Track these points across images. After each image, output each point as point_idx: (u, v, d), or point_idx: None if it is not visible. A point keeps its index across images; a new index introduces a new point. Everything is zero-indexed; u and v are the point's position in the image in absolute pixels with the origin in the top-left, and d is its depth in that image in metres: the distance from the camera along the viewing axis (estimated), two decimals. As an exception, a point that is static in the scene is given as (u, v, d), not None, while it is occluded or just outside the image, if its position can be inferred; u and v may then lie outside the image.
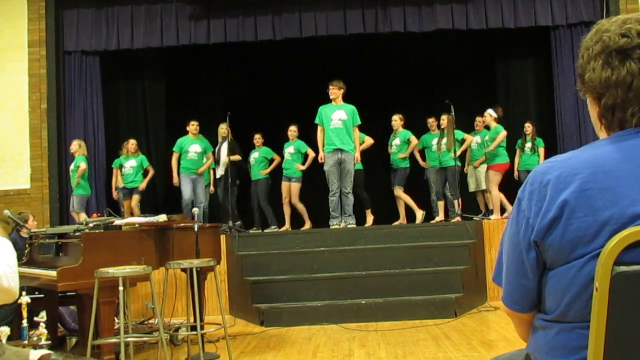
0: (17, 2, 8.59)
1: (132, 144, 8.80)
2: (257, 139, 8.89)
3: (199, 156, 8.48)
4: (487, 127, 8.46)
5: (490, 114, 8.24)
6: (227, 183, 8.39)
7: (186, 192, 8.39)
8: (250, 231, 8.16)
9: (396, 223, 8.16)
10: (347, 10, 8.70)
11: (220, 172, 8.70)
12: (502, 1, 8.63)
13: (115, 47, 8.81)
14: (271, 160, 8.88)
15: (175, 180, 8.49)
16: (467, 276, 6.41)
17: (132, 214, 8.17)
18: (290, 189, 8.36)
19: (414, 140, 8.40)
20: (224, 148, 8.62)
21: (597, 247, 1.11)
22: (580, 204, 1.14)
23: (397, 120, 8.43)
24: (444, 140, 8.16)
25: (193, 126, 8.51)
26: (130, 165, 8.73)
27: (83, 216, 7.72)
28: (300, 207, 8.31)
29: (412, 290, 6.19)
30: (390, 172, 8.52)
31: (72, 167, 8.32)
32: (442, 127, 8.22)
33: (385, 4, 8.69)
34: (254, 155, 8.84)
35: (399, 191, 8.33)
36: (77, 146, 8.32)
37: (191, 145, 8.46)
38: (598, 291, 1.10)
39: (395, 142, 8.44)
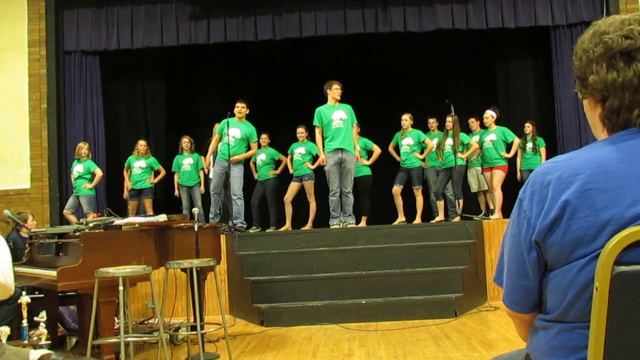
0: (17, 2, 8.59)
1: (141, 145, 8.78)
2: (264, 139, 8.86)
3: (236, 142, 7.64)
4: (482, 127, 8.48)
5: (492, 114, 8.24)
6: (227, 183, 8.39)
7: (214, 179, 7.80)
8: (250, 230, 8.15)
9: (418, 221, 8.19)
10: (347, 10, 8.70)
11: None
12: (502, 1, 8.64)
13: (115, 47, 8.82)
14: (278, 161, 8.87)
15: (208, 163, 8.24)
16: (467, 276, 6.41)
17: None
18: (305, 188, 8.32)
19: (430, 142, 8.40)
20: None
21: (598, 248, 1.11)
22: (581, 204, 1.14)
23: (407, 119, 8.39)
24: (449, 140, 8.16)
25: (237, 108, 7.68)
26: (139, 166, 8.73)
27: (92, 215, 7.73)
28: (313, 206, 8.25)
29: (412, 290, 6.19)
30: (400, 171, 8.46)
31: (80, 170, 8.30)
32: (447, 128, 8.21)
33: (385, 3, 8.69)
34: (261, 157, 8.79)
35: (418, 191, 8.34)
36: (87, 149, 8.36)
37: (231, 129, 7.61)
38: (598, 291, 1.10)
39: (408, 141, 8.38)
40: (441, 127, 8.62)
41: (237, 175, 7.63)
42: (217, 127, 8.06)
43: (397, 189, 8.40)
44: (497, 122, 8.35)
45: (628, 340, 1.10)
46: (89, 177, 8.33)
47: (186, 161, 8.87)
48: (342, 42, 9.30)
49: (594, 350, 1.11)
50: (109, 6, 8.81)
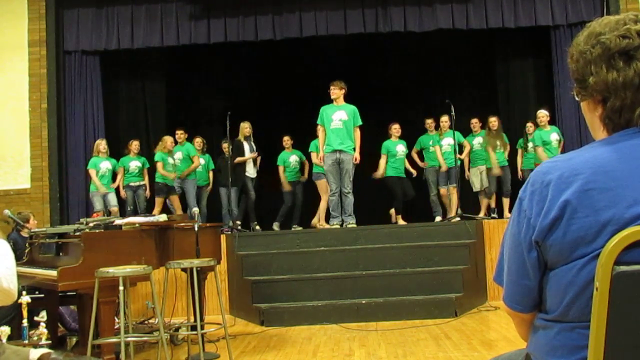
0: (17, 2, 8.58)
1: (170, 142, 8.64)
2: (287, 141, 8.84)
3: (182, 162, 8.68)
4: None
5: (546, 114, 8.18)
6: (230, 182, 8.44)
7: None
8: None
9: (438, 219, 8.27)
10: (347, 10, 8.70)
11: (253, 172, 8.62)
12: (502, 1, 8.63)
13: (115, 47, 8.81)
14: (303, 162, 8.87)
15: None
16: (467, 276, 6.41)
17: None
18: (320, 186, 8.36)
19: (467, 143, 8.50)
20: (254, 147, 8.58)
21: (598, 247, 1.11)
22: (581, 204, 1.14)
23: (446, 120, 8.40)
24: (498, 142, 8.20)
25: (177, 135, 8.73)
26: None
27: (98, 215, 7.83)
28: (324, 204, 8.34)
29: (412, 290, 6.19)
30: (437, 172, 8.48)
31: (109, 167, 8.41)
32: (492, 128, 8.24)
33: (385, 3, 8.69)
34: (294, 158, 8.79)
35: (453, 190, 8.36)
36: (105, 145, 8.48)
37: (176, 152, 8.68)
38: (598, 291, 1.10)
39: (448, 141, 8.39)
40: (439, 127, 8.63)
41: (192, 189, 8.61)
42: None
43: (444, 190, 8.43)
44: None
45: (628, 340, 1.10)
46: (111, 175, 8.49)
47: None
48: (342, 42, 9.30)
49: (594, 349, 1.11)
50: (109, 6, 8.80)
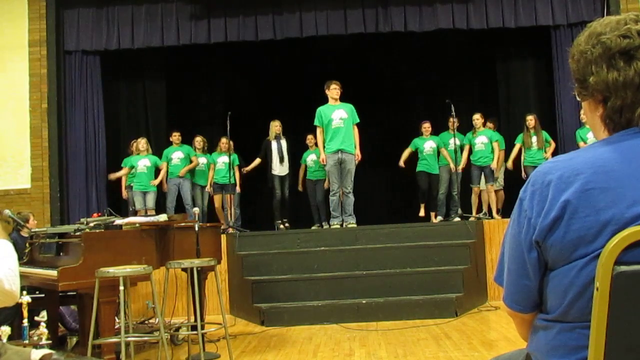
0: (18, 2, 8.58)
1: (224, 143, 8.71)
2: (310, 139, 8.84)
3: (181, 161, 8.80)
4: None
5: None
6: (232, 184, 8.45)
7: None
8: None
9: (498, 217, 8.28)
10: (347, 9, 8.69)
11: (285, 170, 8.64)
12: (502, 1, 8.62)
13: (115, 46, 8.81)
14: None
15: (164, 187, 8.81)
16: (468, 276, 6.41)
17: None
18: None
19: (497, 146, 8.50)
20: (283, 145, 8.61)
21: (599, 247, 1.11)
22: (582, 204, 1.14)
23: (479, 118, 8.41)
24: (534, 139, 8.20)
25: (175, 137, 8.89)
26: (223, 162, 8.76)
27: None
28: None
29: (413, 290, 6.19)
30: (474, 169, 8.47)
31: (147, 164, 8.51)
32: (530, 127, 8.22)
33: (385, 3, 8.68)
34: (312, 157, 8.81)
35: (491, 188, 8.38)
36: (145, 144, 8.61)
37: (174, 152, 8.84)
38: (599, 291, 1.10)
39: (482, 139, 8.40)
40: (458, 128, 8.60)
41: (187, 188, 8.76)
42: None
43: (477, 189, 8.42)
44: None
45: (628, 340, 1.10)
46: (153, 172, 8.56)
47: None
48: (343, 42, 9.30)
49: (594, 350, 1.11)
50: (110, 6, 8.80)
